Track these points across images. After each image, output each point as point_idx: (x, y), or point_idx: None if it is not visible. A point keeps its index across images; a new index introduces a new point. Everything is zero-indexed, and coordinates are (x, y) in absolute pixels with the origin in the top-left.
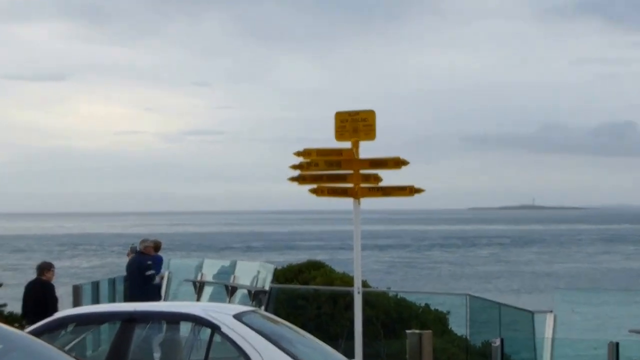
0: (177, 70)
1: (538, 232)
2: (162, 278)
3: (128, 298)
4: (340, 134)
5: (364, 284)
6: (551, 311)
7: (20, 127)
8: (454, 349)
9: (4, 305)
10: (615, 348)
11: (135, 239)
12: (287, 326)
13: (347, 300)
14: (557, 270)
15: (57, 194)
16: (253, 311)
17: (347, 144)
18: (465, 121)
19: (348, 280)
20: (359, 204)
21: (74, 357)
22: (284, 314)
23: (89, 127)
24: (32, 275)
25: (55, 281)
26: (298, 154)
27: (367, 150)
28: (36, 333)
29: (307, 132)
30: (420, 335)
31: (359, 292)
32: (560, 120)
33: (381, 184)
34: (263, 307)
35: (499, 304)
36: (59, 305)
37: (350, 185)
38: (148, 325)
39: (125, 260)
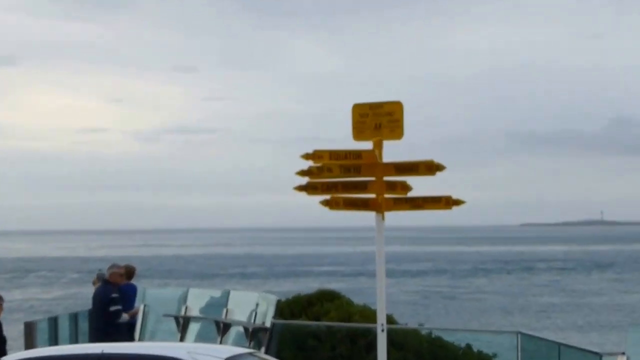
0: (154, 51)
1: (608, 253)
2: (134, 314)
3: (93, 338)
4: (359, 132)
5: (390, 320)
6: (623, 353)
7: None
8: None
9: None
10: None
11: (103, 263)
12: None
13: (368, 340)
14: (631, 302)
15: (1, 207)
16: (250, 354)
17: (367, 145)
18: (513, 114)
19: (369, 315)
20: (383, 219)
21: None
22: (289, 357)
23: (42, 123)
24: None
25: (3, 317)
26: (307, 157)
27: (393, 152)
28: None
29: (319, 129)
30: None
31: (382, 330)
32: (635, 114)
33: (410, 194)
34: (263, 349)
35: (559, 344)
36: (7, 347)
37: (371, 195)
38: None
39: (91, 290)
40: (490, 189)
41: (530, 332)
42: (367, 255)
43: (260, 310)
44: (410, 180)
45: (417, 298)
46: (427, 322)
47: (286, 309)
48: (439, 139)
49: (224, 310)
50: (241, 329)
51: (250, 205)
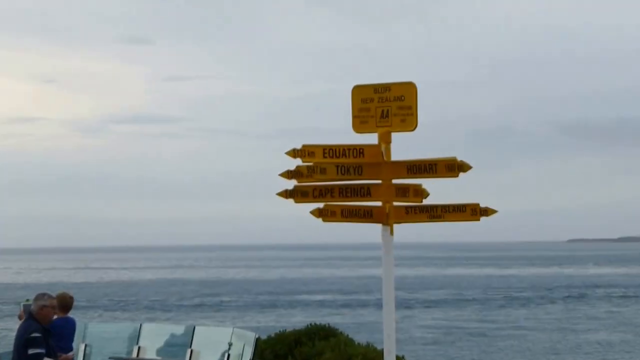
0: (98, 19)
1: None
2: (69, 359)
3: None
4: (360, 122)
5: None
6: None
7: None
8: None
9: None
10: None
11: (29, 291)
12: None
13: None
14: None
15: None
16: None
17: (371, 138)
18: (558, 100)
19: (374, 357)
20: (392, 233)
21: None
22: None
23: None
24: None
25: None
26: (294, 153)
27: (404, 147)
28: None
29: (311, 119)
30: None
31: None
32: None
33: (426, 202)
34: None
35: None
36: None
37: (377, 203)
38: None
39: (16, 325)
40: (529, 195)
41: None
42: (372, 280)
43: (234, 351)
44: (426, 183)
45: (435, 335)
46: None
47: (268, 349)
48: (465, 131)
49: (188, 352)
50: None
51: (221, 216)
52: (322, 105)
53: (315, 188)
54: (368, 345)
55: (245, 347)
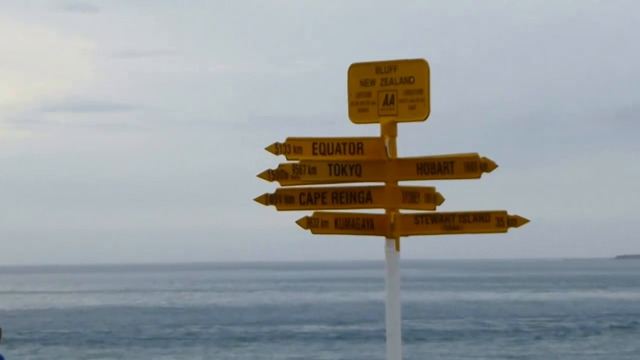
0: None
1: None
2: None
3: None
4: (359, 110)
5: None
6: None
7: None
8: None
9: None
10: None
11: None
12: None
13: None
14: None
15: None
16: None
17: (372, 129)
18: (610, 82)
19: None
20: (397, 248)
21: None
22: None
23: None
24: None
25: None
26: (276, 149)
27: (413, 141)
28: None
29: (298, 105)
30: None
31: None
32: None
33: (441, 209)
34: None
35: None
36: None
37: (379, 211)
38: None
39: None
40: (569, 201)
41: None
42: (373, 307)
43: None
44: (440, 186)
45: None
46: None
47: None
48: (489, 121)
49: None
50: None
51: (184, 228)
52: (310, 88)
53: (302, 192)
54: None
55: None
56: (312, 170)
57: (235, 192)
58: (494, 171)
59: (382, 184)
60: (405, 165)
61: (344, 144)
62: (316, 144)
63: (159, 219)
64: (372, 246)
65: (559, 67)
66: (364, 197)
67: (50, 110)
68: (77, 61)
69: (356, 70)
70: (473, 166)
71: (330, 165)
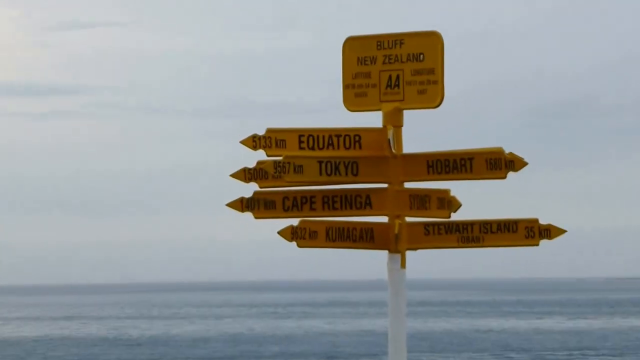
0: None
1: None
2: None
3: None
4: (356, 94)
5: None
6: None
7: None
8: None
9: None
10: None
11: None
12: None
13: None
14: None
15: None
16: None
17: (373, 118)
18: None
19: None
20: (403, 264)
21: None
22: None
23: None
24: None
25: None
26: (253, 143)
27: (423, 132)
28: None
29: (280, 88)
30: None
31: None
32: None
33: (456, 217)
34: None
35: None
36: None
37: (381, 219)
38: None
39: None
40: (617, 207)
41: None
42: (373, 338)
43: None
44: (456, 188)
45: None
46: None
47: None
48: (516, 108)
49: None
50: None
51: (141, 240)
52: (294, 68)
53: (286, 196)
54: None
55: None
56: (298, 169)
57: (202, 196)
58: (523, 170)
59: (385, 185)
60: (414, 162)
61: (338, 136)
62: (303, 136)
63: (104, 230)
64: (371, 262)
65: (607, 40)
66: (362, 201)
67: None
68: (12, 35)
69: (353, 45)
70: (497, 164)
71: (320, 162)
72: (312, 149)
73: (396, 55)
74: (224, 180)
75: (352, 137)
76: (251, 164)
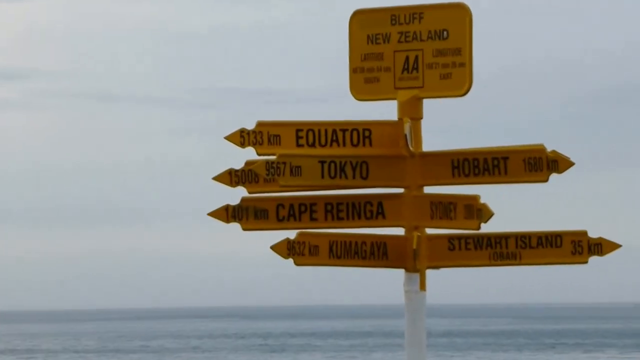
0: None
1: None
2: None
3: None
4: (365, 80)
5: None
6: None
7: None
8: None
9: None
10: None
11: None
12: None
13: None
14: None
15: None
16: None
17: (386, 109)
18: None
19: None
20: (423, 286)
21: None
22: None
23: None
24: None
25: None
26: (241, 139)
27: (445, 126)
28: None
29: (271, 73)
30: None
31: None
32: None
33: (487, 228)
34: None
35: None
36: None
37: (396, 231)
38: None
39: None
40: None
41: None
42: None
43: None
44: (488, 194)
45: None
46: None
47: None
48: (560, 97)
49: None
50: None
51: (109, 255)
52: (290, 47)
53: (281, 203)
54: None
55: None
56: (296, 170)
57: (176, 203)
58: (569, 172)
59: (401, 190)
60: (435, 162)
61: (343, 130)
62: (301, 130)
63: (49, 243)
64: (384, 284)
65: None
66: (374, 210)
67: None
68: None
69: (362, 20)
70: (537, 164)
71: (322, 162)
72: (313, 146)
73: (414, 32)
74: (204, 184)
75: (361, 132)
76: (238, 165)
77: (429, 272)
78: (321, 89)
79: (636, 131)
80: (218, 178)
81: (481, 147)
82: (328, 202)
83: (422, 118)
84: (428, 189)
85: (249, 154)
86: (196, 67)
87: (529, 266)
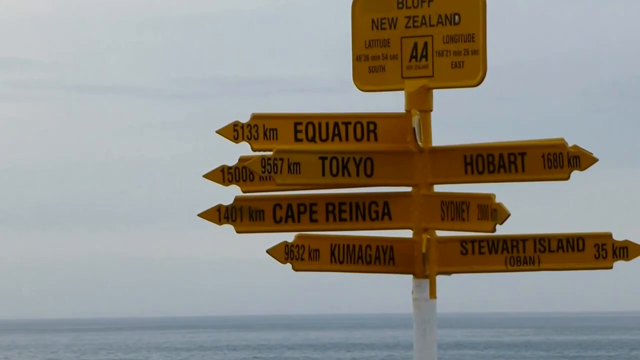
0: None
1: None
2: None
3: None
4: (370, 68)
5: None
6: None
7: None
8: None
9: None
10: None
11: None
12: None
13: None
14: None
15: None
16: None
17: (392, 100)
18: None
19: None
20: (433, 294)
21: None
22: None
23: None
24: None
25: None
26: (234, 133)
27: (456, 118)
28: None
29: (276, 61)
30: None
31: None
32: None
33: (502, 230)
34: None
35: None
36: None
37: (403, 233)
38: None
39: None
40: None
41: None
42: None
43: None
44: (503, 193)
45: None
46: None
47: None
48: (580, 87)
49: None
50: None
51: (93, 257)
52: (285, 33)
53: (278, 203)
54: None
55: None
56: (294, 167)
57: (164, 203)
58: (591, 168)
59: (409, 189)
60: (447, 158)
61: (346, 124)
62: (300, 124)
63: (29, 246)
64: (391, 291)
65: None
66: (379, 210)
67: None
68: None
69: (366, 3)
70: (558, 160)
71: (323, 159)
72: (313, 140)
73: (423, 17)
74: (194, 182)
75: (365, 126)
76: (232, 161)
77: (440, 279)
78: (322, 79)
79: None
80: (209, 176)
81: (496, 142)
82: (329, 201)
83: (431, 110)
84: (438, 188)
85: (243, 149)
86: (185, 55)
87: (548, 272)
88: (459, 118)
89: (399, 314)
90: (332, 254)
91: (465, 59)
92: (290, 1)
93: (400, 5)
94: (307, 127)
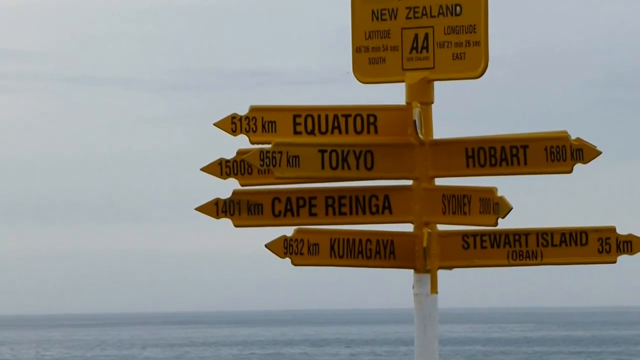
0: None
1: None
2: None
3: None
4: (369, 60)
5: None
6: None
7: None
8: None
9: None
10: None
11: None
12: None
13: None
14: None
15: None
16: None
17: (392, 92)
18: None
19: None
20: (434, 289)
21: None
22: None
23: None
24: None
25: None
26: (232, 125)
27: (457, 111)
28: None
29: (274, 53)
30: None
31: None
32: None
33: (505, 224)
34: None
35: None
36: None
37: (404, 227)
38: None
39: None
40: None
41: None
42: None
43: None
44: (505, 186)
45: None
46: None
47: None
48: (583, 80)
49: None
50: None
51: (90, 253)
52: (283, 23)
53: (277, 196)
54: None
55: None
56: (293, 160)
57: (161, 196)
58: (595, 161)
59: (409, 182)
60: (448, 151)
61: (346, 116)
62: (299, 116)
63: (23, 240)
64: (391, 286)
65: None
66: (379, 204)
67: None
68: None
69: None
70: (561, 153)
71: (322, 151)
72: (312, 133)
73: (424, 7)
74: (192, 175)
75: (365, 118)
76: (229, 155)
77: (441, 273)
78: (321, 70)
79: None
80: (207, 169)
81: (498, 135)
82: (329, 195)
83: (432, 102)
84: (440, 181)
85: (242, 142)
86: (183, 46)
87: (551, 266)
88: (460, 110)
89: (399, 309)
90: (332, 248)
91: (466, 51)
92: None
93: None
94: (306, 119)
